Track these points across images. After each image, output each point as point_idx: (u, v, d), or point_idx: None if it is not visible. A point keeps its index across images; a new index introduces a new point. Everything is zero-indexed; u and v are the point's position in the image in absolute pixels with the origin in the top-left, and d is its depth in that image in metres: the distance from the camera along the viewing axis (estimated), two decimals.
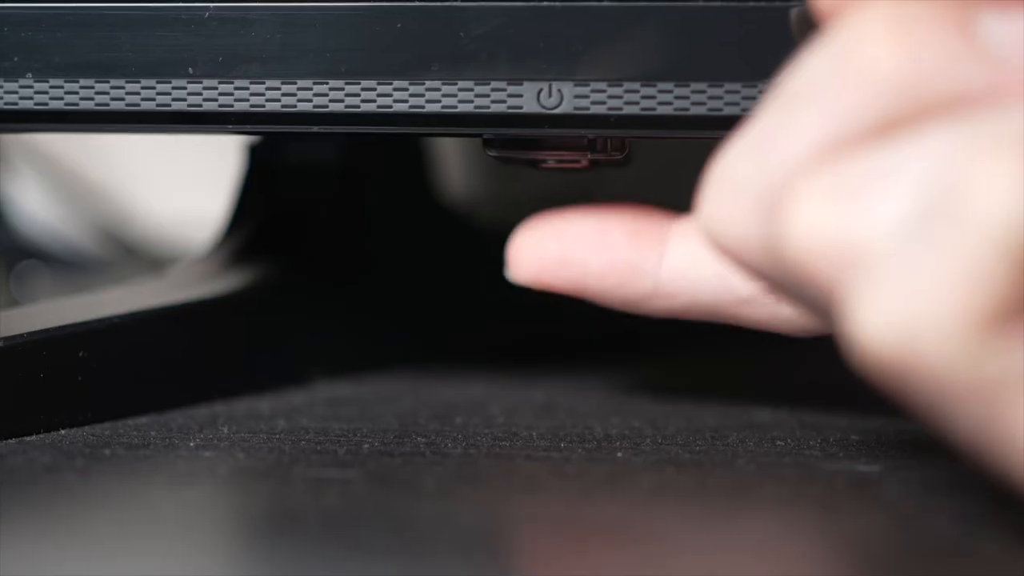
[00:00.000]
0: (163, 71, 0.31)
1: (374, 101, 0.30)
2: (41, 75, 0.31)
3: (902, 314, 0.21)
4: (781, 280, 0.24)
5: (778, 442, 0.32)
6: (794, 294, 0.24)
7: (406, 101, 0.30)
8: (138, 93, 0.31)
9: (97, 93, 0.31)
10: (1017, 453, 0.21)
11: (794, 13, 0.28)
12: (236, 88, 0.31)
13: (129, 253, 0.68)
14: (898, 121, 0.22)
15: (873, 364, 0.21)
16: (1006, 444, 0.21)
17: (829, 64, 0.23)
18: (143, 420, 0.34)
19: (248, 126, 0.31)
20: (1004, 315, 0.21)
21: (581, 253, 0.31)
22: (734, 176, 0.24)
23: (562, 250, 0.31)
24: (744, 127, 0.24)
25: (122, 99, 0.31)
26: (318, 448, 0.32)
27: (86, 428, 0.33)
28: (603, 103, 0.30)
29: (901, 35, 0.22)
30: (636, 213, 0.31)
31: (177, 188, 0.71)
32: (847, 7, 0.23)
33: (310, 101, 0.31)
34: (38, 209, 0.70)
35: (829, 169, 0.22)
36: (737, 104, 0.29)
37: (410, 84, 0.30)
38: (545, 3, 0.30)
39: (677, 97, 0.29)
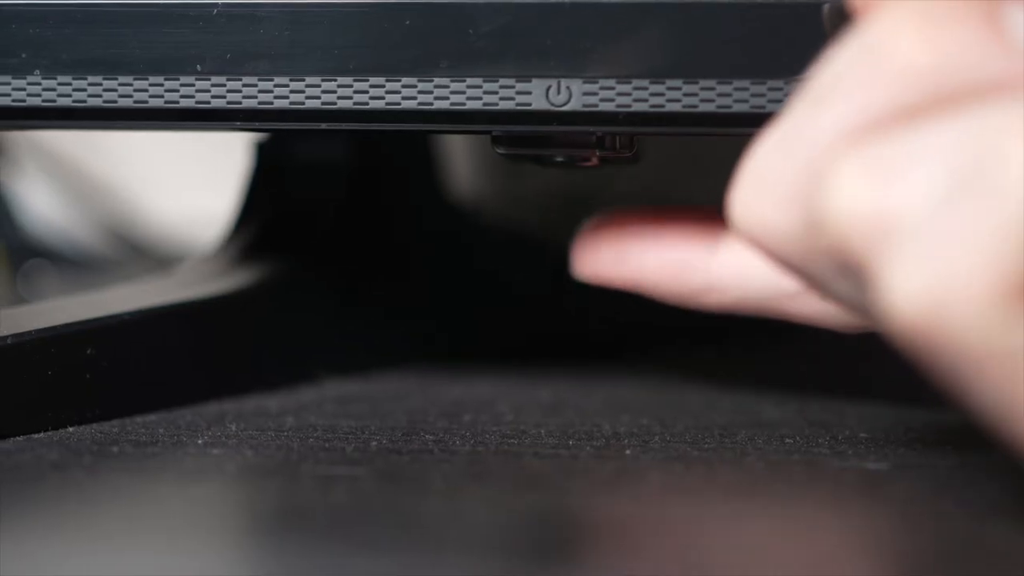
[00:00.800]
0: (171, 68, 0.31)
1: (382, 98, 0.30)
2: (49, 72, 0.31)
3: (933, 283, 0.21)
4: (813, 270, 0.24)
5: (787, 440, 0.32)
6: (826, 283, 0.24)
7: (414, 98, 0.30)
8: (146, 90, 0.31)
9: (105, 90, 0.31)
10: None
11: (827, 8, 0.28)
12: (244, 85, 0.31)
13: (136, 252, 0.68)
14: (926, 109, 0.23)
15: (903, 333, 0.22)
16: None
17: (858, 59, 0.23)
18: (151, 418, 0.34)
19: (256, 123, 0.31)
20: None
21: (637, 251, 0.32)
22: (766, 170, 0.24)
23: (620, 248, 0.32)
24: (774, 122, 0.24)
25: (130, 96, 0.31)
26: (326, 445, 0.32)
27: (94, 425, 0.33)
28: (612, 100, 0.30)
29: (929, 30, 0.23)
30: (690, 212, 0.32)
31: (185, 187, 0.71)
32: (878, 2, 0.24)
33: (318, 98, 0.31)
34: (45, 208, 0.70)
35: (865, 147, 0.23)
36: (746, 101, 0.29)
37: (418, 81, 0.30)
38: (553, 0, 0.30)
39: (686, 94, 0.29)
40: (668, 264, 0.32)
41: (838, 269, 0.24)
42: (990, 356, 0.21)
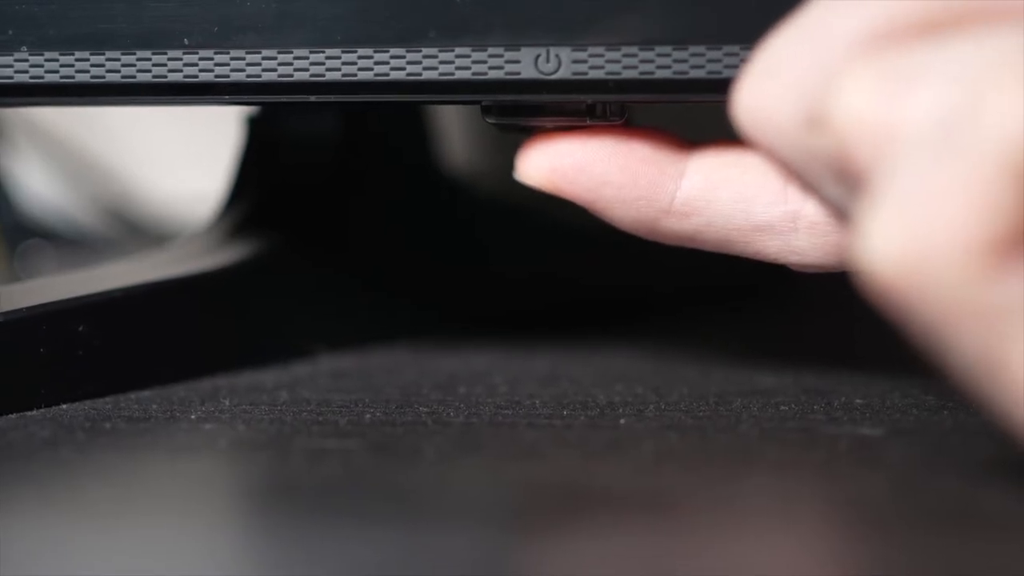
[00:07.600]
0: (158, 42, 0.31)
1: (371, 69, 0.30)
2: (36, 48, 0.31)
3: (910, 232, 0.21)
4: (809, 168, 0.25)
5: (782, 407, 0.32)
6: (819, 182, 0.25)
7: (403, 69, 0.30)
8: (133, 65, 0.31)
9: (92, 66, 0.31)
10: (1012, 385, 0.21)
11: None
12: (232, 58, 0.31)
13: (133, 231, 0.68)
14: (941, 22, 0.23)
15: (879, 283, 0.22)
16: (1002, 376, 0.22)
17: None
18: (145, 394, 0.34)
19: (244, 96, 0.31)
20: (1009, 242, 0.21)
21: (602, 163, 0.30)
22: (779, 61, 0.25)
23: (583, 157, 0.30)
24: (789, 20, 0.25)
25: (117, 71, 0.31)
26: (319, 419, 0.32)
27: (87, 402, 0.33)
28: (601, 68, 0.29)
29: None
30: (657, 133, 0.31)
31: (181, 165, 0.71)
32: None
33: (306, 70, 0.30)
34: (42, 188, 0.70)
35: (882, 55, 0.23)
36: (736, 67, 0.29)
37: (406, 51, 0.30)
38: None
39: (676, 60, 0.29)
40: (636, 180, 0.30)
41: (833, 171, 0.24)
42: (964, 313, 0.21)
